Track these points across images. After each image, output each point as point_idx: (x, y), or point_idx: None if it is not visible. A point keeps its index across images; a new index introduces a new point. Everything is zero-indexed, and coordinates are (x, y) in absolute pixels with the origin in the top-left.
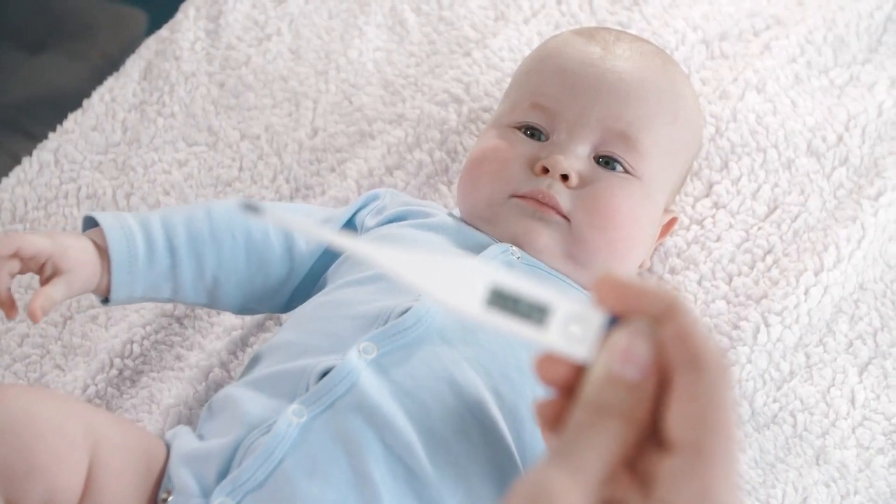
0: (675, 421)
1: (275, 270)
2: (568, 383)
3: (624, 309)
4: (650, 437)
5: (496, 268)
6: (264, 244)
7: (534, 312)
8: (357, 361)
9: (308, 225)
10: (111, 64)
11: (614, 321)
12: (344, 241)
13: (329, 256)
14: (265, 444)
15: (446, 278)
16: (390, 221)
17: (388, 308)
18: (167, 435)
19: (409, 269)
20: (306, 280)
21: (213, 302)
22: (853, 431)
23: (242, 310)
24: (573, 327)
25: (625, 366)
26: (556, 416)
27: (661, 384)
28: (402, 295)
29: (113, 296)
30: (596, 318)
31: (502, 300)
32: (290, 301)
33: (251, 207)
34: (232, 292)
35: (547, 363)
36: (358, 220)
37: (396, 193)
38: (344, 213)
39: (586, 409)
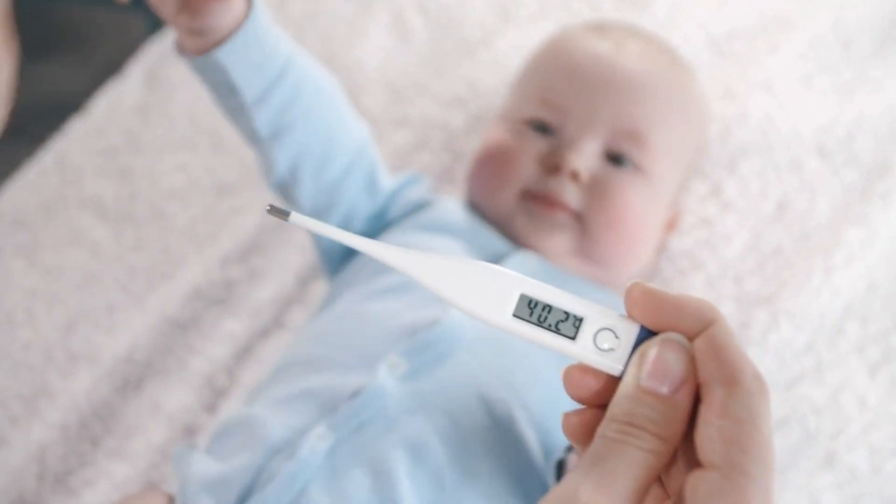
0: (708, 438)
1: (338, 161)
2: (598, 397)
3: (657, 321)
4: (683, 452)
5: (528, 277)
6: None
7: (565, 323)
8: (387, 380)
9: (336, 231)
10: (112, 69)
11: (647, 333)
12: (373, 248)
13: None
14: (289, 470)
15: (475, 286)
16: (415, 216)
17: (417, 321)
18: (175, 453)
19: (438, 276)
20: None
21: (276, 138)
22: (864, 434)
23: (289, 170)
24: (605, 339)
25: (656, 380)
26: (585, 430)
27: (695, 399)
28: (430, 307)
29: (220, 49)
30: (629, 330)
31: (533, 310)
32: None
33: (278, 211)
34: (294, 146)
35: (577, 375)
36: (395, 199)
37: (430, 185)
38: (387, 187)
39: (616, 423)
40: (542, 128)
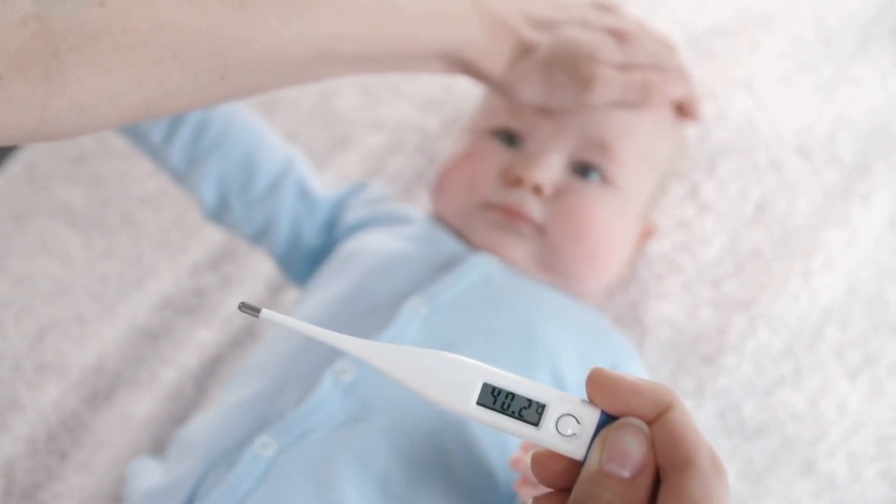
0: None
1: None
2: (563, 479)
3: (617, 406)
4: None
5: (490, 366)
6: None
7: (528, 410)
8: (334, 387)
9: (311, 328)
10: None
11: (607, 418)
12: (341, 341)
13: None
14: (229, 480)
15: (440, 376)
16: (371, 220)
17: (365, 327)
18: (131, 468)
19: (403, 366)
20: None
21: (194, 169)
22: (843, 440)
23: (216, 197)
24: (567, 425)
25: (617, 463)
26: None
27: (655, 481)
28: (380, 312)
29: None
30: (590, 416)
31: (496, 398)
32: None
33: (249, 308)
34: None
35: (543, 460)
36: (344, 206)
37: (383, 190)
38: (331, 196)
39: None
40: (508, 138)
